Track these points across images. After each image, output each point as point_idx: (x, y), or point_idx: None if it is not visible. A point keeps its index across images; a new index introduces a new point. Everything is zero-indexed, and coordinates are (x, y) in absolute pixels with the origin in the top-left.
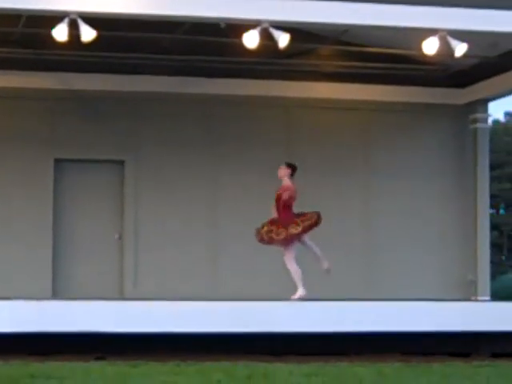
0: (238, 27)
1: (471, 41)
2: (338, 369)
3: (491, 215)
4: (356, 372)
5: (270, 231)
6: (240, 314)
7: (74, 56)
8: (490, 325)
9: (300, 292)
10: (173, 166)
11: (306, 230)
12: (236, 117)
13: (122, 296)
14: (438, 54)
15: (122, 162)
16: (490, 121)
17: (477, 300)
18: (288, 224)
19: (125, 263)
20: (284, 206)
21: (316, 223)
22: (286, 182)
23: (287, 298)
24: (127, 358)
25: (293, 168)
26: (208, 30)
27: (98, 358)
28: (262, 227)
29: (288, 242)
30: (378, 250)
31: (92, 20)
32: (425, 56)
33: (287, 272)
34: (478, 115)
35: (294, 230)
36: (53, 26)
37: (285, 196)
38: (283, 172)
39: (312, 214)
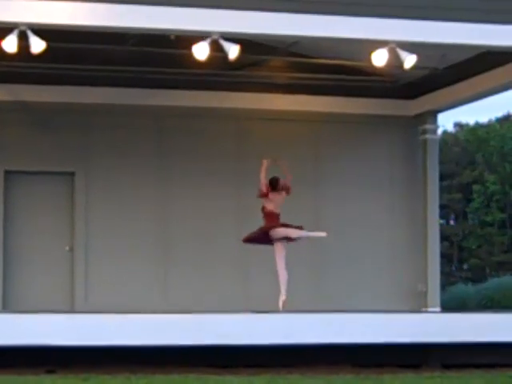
0: (187, 39)
1: (420, 52)
2: (289, 381)
3: (441, 225)
4: None
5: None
6: (190, 327)
7: (24, 67)
8: (441, 336)
9: (282, 297)
10: (123, 178)
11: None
12: (186, 128)
13: (72, 308)
14: (388, 65)
15: (72, 174)
16: (439, 132)
17: (427, 311)
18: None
19: (75, 275)
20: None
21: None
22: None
23: (235, 311)
24: (78, 371)
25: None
26: (158, 42)
27: (48, 372)
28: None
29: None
30: (327, 261)
31: (41, 31)
32: (374, 67)
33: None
34: (428, 126)
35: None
36: (2, 38)
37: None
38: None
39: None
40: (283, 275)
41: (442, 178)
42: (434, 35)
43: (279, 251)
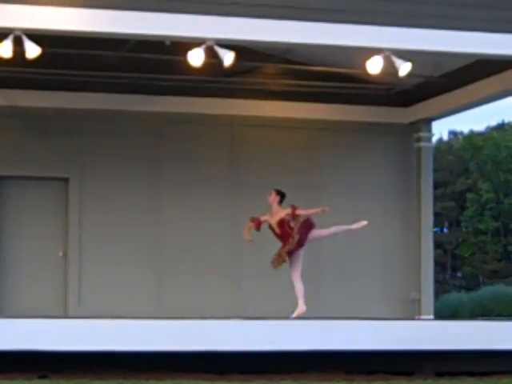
0: (182, 45)
1: (415, 60)
2: None
3: (435, 233)
4: None
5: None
6: (184, 333)
7: (19, 73)
8: (434, 344)
9: (300, 309)
10: (117, 184)
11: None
12: (181, 135)
13: (66, 314)
14: (382, 73)
15: (66, 180)
16: (433, 140)
17: (420, 319)
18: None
19: (69, 281)
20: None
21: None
22: (276, 208)
23: (228, 317)
24: (71, 376)
25: (281, 195)
26: (153, 48)
27: (41, 377)
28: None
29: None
30: (322, 268)
31: (37, 37)
32: (369, 75)
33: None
34: (422, 134)
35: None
36: None
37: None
38: (272, 198)
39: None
40: (300, 287)
41: (435, 186)
42: (429, 43)
43: (298, 262)
